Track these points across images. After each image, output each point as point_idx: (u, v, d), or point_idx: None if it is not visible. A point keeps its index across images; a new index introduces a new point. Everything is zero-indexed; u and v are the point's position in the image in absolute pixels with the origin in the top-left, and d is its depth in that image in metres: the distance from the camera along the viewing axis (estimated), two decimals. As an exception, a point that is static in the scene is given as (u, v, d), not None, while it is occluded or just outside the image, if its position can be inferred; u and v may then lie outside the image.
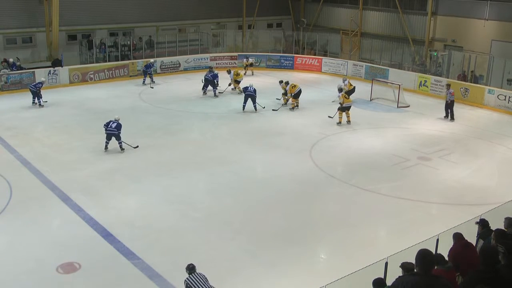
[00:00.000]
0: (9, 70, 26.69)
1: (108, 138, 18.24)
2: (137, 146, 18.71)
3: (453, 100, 22.98)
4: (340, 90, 23.22)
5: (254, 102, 23.34)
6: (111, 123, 18.25)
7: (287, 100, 24.70)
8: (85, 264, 11.35)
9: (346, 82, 25.44)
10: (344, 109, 21.81)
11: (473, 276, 6.45)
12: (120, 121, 18.34)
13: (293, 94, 24.19)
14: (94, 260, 11.58)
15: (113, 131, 18.17)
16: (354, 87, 25.30)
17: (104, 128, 18.28)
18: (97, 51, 30.49)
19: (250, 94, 23.32)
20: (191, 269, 9.43)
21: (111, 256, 11.81)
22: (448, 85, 23.55)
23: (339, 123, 21.83)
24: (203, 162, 17.65)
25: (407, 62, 31.36)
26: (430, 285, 5.55)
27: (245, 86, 24.28)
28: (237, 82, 27.61)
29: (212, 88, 26.72)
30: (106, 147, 18.32)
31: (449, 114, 22.98)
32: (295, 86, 24.35)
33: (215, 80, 26.76)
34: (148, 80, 28.60)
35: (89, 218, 13.46)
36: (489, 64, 26.94)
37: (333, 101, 24.67)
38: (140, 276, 11.07)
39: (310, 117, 23.03)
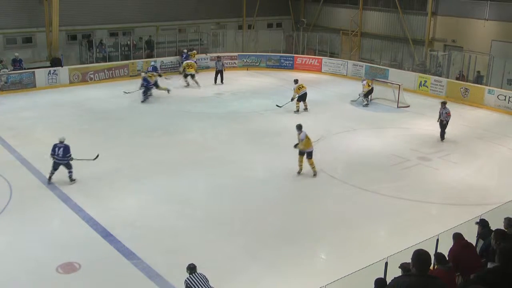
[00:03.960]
0: (11, 68, 26.72)
1: (55, 167, 15.35)
2: (97, 156, 16.24)
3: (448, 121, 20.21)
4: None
5: None
6: (57, 148, 15.27)
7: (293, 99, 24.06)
8: (85, 264, 11.36)
9: (364, 82, 25.54)
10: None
11: (480, 276, 6.42)
12: (66, 142, 15.49)
13: (298, 96, 23.71)
14: (94, 260, 11.59)
15: (61, 160, 15.30)
16: (372, 88, 25.37)
17: (51, 155, 15.33)
18: (97, 51, 30.49)
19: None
20: (191, 269, 9.43)
21: (111, 256, 11.82)
22: (444, 103, 20.52)
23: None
24: (202, 162, 17.64)
25: (407, 62, 31.37)
26: (425, 286, 5.54)
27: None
28: (187, 75, 28.37)
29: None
30: (50, 178, 15.43)
31: (442, 135, 20.31)
32: (302, 87, 23.78)
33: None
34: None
35: (89, 218, 13.46)
36: (489, 64, 26.95)
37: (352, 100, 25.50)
38: (140, 276, 11.08)
39: (309, 117, 23.00)
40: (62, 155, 15.21)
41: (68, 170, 15.46)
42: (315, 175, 16.43)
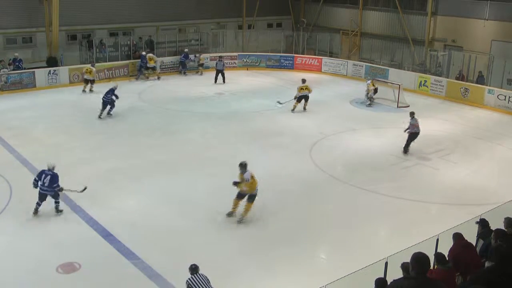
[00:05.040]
0: (11, 68, 26.73)
1: (41, 199, 13.38)
2: (85, 188, 13.98)
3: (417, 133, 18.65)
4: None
5: None
6: (43, 175, 13.34)
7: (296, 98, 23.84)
8: (85, 264, 11.36)
9: (369, 82, 25.69)
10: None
11: (479, 276, 6.44)
12: (55, 170, 13.57)
13: (299, 95, 23.60)
14: (94, 260, 11.59)
15: (46, 191, 13.32)
16: (376, 88, 25.46)
17: (34, 184, 13.46)
18: (97, 51, 30.51)
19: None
20: (193, 269, 9.42)
21: (111, 256, 11.82)
22: (412, 113, 19.04)
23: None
24: (203, 162, 17.64)
25: (407, 62, 31.37)
26: None
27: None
28: (148, 67, 29.84)
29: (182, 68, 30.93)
30: (36, 211, 13.41)
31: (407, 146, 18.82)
32: (305, 89, 23.66)
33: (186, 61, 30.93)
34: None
35: (89, 218, 13.46)
36: (489, 64, 26.97)
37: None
38: (140, 276, 11.08)
39: (309, 117, 23.02)
40: (48, 185, 13.24)
41: (54, 200, 13.59)
42: (240, 221, 13.36)
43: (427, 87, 27.93)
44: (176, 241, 12.53)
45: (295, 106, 23.78)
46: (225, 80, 29.05)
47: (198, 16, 35.42)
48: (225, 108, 24.49)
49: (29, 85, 26.57)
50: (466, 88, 26.31)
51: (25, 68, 27.40)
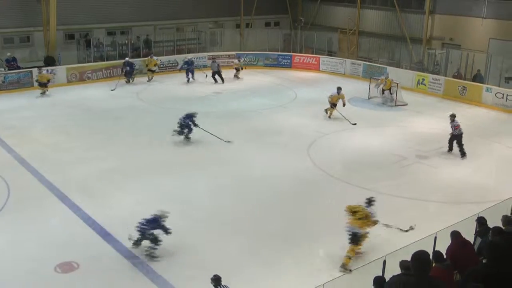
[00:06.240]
0: (5, 68, 26.71)
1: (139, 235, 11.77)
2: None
3: (461, 134, 18.56)
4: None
5: None
6: (149, 217, 11.76)
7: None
8: (83, 264, 11.35)
9: (385, 76, 26.04)
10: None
11: (476, 271, 6.45)
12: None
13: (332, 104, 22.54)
14: (93, 260, 11.58)
15: (142, 229, 11.69)
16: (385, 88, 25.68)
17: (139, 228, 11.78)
18: (95, 50, 30.46)
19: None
20: (216, 280, 9.18)
21: (110, 255, 11.81)
22: (453, 116, 18.81)
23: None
24: (202, 161, 17.64)
25: (405, 61, 31.37)
26: (426, 287, 5.54)
27: None
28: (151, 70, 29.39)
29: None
30: (135, 243, 11.94)
31: (460, 149, 18.54)
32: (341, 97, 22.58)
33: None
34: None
35: (87, 217, 13.46)
36: (487, 62, 27.00)
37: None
38: (139, 276, 11.09)
39: (308, 116, 23.02)
40: (145, 223, 11.66)
41: (151, 243, 11.78)
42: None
43: (425, 85, 27.95)
44: (176, 241, 12.48)
45: (331, 112, 22.68)
46: (224, 80, 29.01)
47: (196, 15, 35.36)
48: (224, 107, 24.48)
49: (26, 84, 26.54)
50: (464, 87, 26.34)
51: (22, 68, 27.37)
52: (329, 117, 22.62)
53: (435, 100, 26.55)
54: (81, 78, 28.26)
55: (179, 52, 32.54)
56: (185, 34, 34.85)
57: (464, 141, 19.10)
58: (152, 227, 11.56)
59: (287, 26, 39.60)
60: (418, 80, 28.28)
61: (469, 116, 23.58)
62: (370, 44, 33.40)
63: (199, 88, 27.63)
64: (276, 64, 33.68)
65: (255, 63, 33.60)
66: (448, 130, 18.75)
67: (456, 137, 18.51)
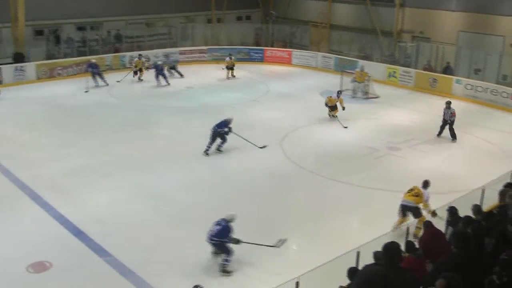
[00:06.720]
0: None
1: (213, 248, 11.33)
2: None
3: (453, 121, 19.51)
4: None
5: None
6: (215, 223, 11.23)
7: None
8: (56, 263, 11.20)
9: (360, 68, 25.86)
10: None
11: (446, 260, 6.55)
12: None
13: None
14: (65, 259, 11.43)
15: (214, 241, 11.11)
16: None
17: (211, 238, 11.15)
18: (65, 46, 30.04)
19: None
20: None
21: (83, 254, 11.68)
22: (449, 103, 19.80)
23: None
24: (175, 156, 17.54)
25: (376, 54, 31.61)
26: (393, 277, 5.63)
27: None
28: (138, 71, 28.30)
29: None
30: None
31: (452, 133, 19.58)
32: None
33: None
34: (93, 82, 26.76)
35: (59, 216, 13.27)
36: (456, 54, 27.36)
37: None
38: (112, 273, 10.98)
39: (280, 110, 23.06)
40: (215, 234, 11.06)
41: (224, 255, 11.16)
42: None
43: (396, 78, 28.22)
44: (149, 236, 12.45)
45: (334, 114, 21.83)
46: (182, 75, 28.92)
47: (167, 10, 35.06)
48: (196, 102, 24.37)
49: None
50: (434, 79, 26.67)
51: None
52: (333, 116, 21.55)
53: (406, 92, 26.84)
54: (51, 75, 27.82)
55: (151, 47, 32.23)
56: (156, 29, 34.58)
57: (435, 132, 19.42)
58: (222, 241, 11.05)
59: (259, 20, 39.56)
60: (389, 73, 28.54)
61: (440, 107, 23.76)
62: (342, 37, 33.54)
63: (170, 83, 27.41)
64: (248, 58, 33.63)
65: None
66: (434, 116, 18.85)
67: (451, 123, 19.35)
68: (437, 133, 19.76)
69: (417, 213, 12.24)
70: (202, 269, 11.15)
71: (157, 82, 27.30)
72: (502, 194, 10.55)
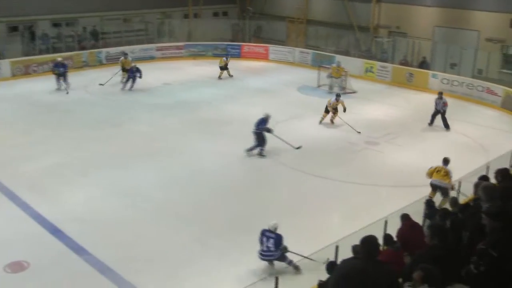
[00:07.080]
0: None
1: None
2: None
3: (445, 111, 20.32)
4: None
5: None
6: (265, 239, 10.70)
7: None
8: (34, 262, 11.08)
9: (336, 64, 25.92)
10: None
11: (423, 253, 6.62)
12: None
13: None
14: (43, 258, 11.33)
15: (271, 256, 10.77)
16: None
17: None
18: (40, 43, 29.67)
19: None
20: None
21: (61, 252, 11.57)
22: (440, 93, 20.80)
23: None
24: (152, 153, 17.45)
25: (353, 49, 31.75)
26: (370, 270, 5.67)
27: None
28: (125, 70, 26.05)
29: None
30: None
31: (445, 123, 20.34)
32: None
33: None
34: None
35: (36, 214, 13.12)
36: (432, 49, 27.62)
37: None
38: (91, 271, 10.91)
39: (257, 105, 23.01)
40: (273, 249, 10.59)
41: (284, 262, 10.82)
42: None
43: (373, 73, 28.41)
44: (127, 234, 12.38)
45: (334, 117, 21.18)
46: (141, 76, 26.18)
47: (144, 5, 34.78)
48: (173, 98, 24.24)
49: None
50: (411, 73, 26.91)
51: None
52: (332, 121, 20.88)
53: (383, 87, 27.03)
54: (26, 72, 27.46)
55: (129, 43, 31.97)
56: (133, 25, 34.31)
57: (411, 126, 19.60)
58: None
59: (236, 15, 39.45)
60: (366, 68, 28.71)
61: (416, 102, 24.11)
62: (318, 32, 33.63)
63: (146, 79, 27.13)
64: (225, 54, 33.49)
65: (204, 53, 33.36)
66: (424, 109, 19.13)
67: (443, 113, 20.14)
68: (428, 122, 20.55)
69: (446, 193, 13.10)
70: (181, 264, 11.13)
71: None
72: (476, 186, 10.67)
